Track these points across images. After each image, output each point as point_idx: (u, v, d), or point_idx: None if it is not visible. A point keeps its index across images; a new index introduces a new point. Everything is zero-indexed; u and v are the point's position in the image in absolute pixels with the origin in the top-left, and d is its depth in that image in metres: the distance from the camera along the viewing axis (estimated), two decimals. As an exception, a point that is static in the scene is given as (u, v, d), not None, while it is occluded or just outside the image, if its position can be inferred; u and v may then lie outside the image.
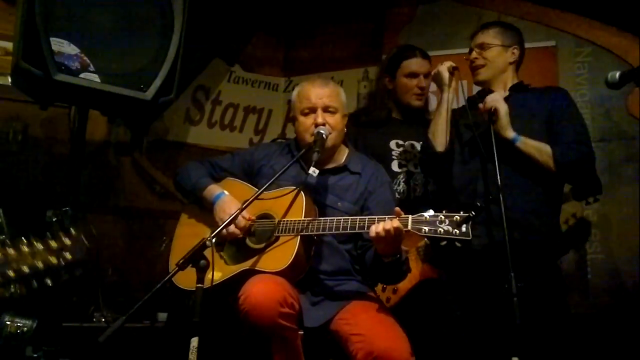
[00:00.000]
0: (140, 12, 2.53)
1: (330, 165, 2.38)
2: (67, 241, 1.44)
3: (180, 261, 1.81)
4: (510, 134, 2.40)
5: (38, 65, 2.26)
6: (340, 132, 2.38)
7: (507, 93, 2.58)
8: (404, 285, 2.56)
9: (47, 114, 2.84)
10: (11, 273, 1.38)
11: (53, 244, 1.42)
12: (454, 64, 2.57)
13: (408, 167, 2.88)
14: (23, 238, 1.42)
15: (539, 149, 2.39)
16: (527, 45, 2.73)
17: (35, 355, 2.03)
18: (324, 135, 2.25)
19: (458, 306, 2.47)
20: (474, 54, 2.62)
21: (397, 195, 2.75)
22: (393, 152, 2.89)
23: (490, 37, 2.60)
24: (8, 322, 1.92)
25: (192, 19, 2.64)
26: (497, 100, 2.43)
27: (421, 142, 2.74)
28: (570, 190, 2.78)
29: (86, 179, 2.60)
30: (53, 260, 1.40)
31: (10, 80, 2.59)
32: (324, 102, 2.32)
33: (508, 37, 2.61)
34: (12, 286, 1.39)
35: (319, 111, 2.31)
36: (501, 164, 2.32)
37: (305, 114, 2.34)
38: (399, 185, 2.85)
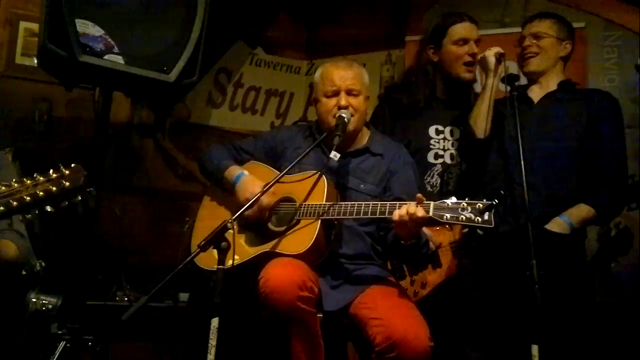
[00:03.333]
0: (164, -6, 2.54)
1: (352, 148, 2.37)
2: (66, 171, 1.53)
3: (202, 242, 1.83)
4: (562, 226, 2.36)
5: (63, 47, 2.28)
6: (363, 115, 2.36)
7: (554, 88, 2.54)
8: (433, 279, 2.52)
9: (73, 95, 2.88)
10: (14, 203, 1.47)
11: (53, 174, 1.52)
12: (501, 50, 2.49)
13: (444, 158, 2.74)
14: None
15: (588, 218, 2.40)
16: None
17: (60, 332, 2.08)
18: (346, 119, 2.24)
19: (479, 293, 2.46)
20: (527, 42, 2.54)
21: (429, 188, 2.69)
22: (431, 141, 2.74)
23: (546, 27, 2.54)
24: (34, 299, 1.96)
25: (215, 1, 2.64)
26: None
27: (461, 128, 2.67)
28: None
29: (110, 160, 2.62)
30: (52, 188, 1.49)
31: (36, 61, 2.62)
32: (347, 85, 2.30)
33: (563, 31, 2.55)
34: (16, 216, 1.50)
35: (342, 94, 2.29)
36: (537, 143, 2.32)
37: (328, 96, 2.32)
38: (432, 177, 2.73)
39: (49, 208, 1.49)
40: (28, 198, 1.47)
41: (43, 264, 2.09)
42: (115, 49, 2.42)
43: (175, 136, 3.71)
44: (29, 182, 1.50)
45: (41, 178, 1.50)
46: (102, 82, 2.54)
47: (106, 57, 2.39)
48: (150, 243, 3.46)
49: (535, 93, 2.58)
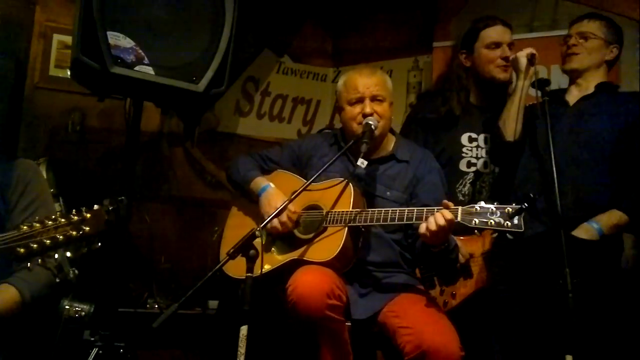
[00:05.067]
0: (193, 5, 2.57)
1: (378, 155, 2.36)
2: (87, 214, 1.51)
3: (231, 250, 1.84)
4: (591, 232, 2.29)
5: (95, 59, 2.32)
6: (388, 121, 2.35)
7: (591, 90, 2.48)
8: (464, 290, 2.49)
9: (104, 105, 2.92)
10: (34, 245, 1.46)
11: (74, 218, 1.50)
12: (533, 51, 2.45)
13: (477, 166, 2.70)
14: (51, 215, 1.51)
15: (620, 224, 2.32)
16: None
17: (92, 338, 2.11)
18: (372, 126, 2.23)
19: (511, 302, 2.41)
20: (573, 40, 2.49)
21: (461, 197, 2.66)
22: (464, 149, 2.71)
23: (595, 28, 2.49)
24: (67, 307, 2.00)
25: (242, 10, 2.67)
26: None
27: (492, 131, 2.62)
28: None
29: (140, 169, 2.66)
30: (73, 233, 1.48)
31: (69, 73, 2.68)
32: (371, 92, 2.29)
33: (611, 34, 2.50)
34: (36, 258, 1.49)
35: (367, 101, 2.29)
36: (570, 147, 2.30)
37: (352, 104, 2.32)
38: (464, 186, 2.69)
39: (68, 254, 1.49)
40: (48, 242, 1.46)
41: (76, 271, 2.12)
42: (146, 60, 2.46)
43: (204, 145, 3.75)
44: (50, 223, 1.48)
45: (62, 220, 1.49)
46: (133, 92, 2.58)
47: (137, 68, 2.42)
48: (180, 251, 3.49)
49: (573, 95, 2.53)
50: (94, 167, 3.30)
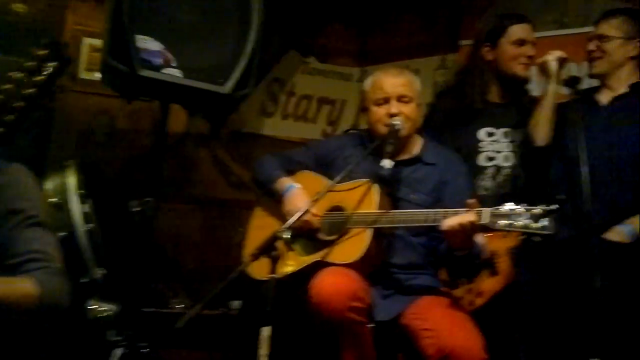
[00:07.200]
0: (220, 8, 2.60)
1: (404, 157, 2.34)
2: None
3: (254, 252, 1.85)
4: (622, 234, 2.24)
5: (124, 62, 2.37)
6: (415, 122, 2.33)
7: (626, 90, 2.43)
8: (490, 287, 2.45)
9: (132, 107, 2.98)
10: None
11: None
12: (564, 55, 2.42)
13: (497, 160, 2.66)
14: None
15: None
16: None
17: (117, 338, 2.14)
18: (398, 127, 2.22)
19: (537, 304, 2.37)
20: (592, 45, 2.46)
21: (483, 192, 2.62)
22: (480, 144, 2.67)
23: (612, 27, 2.43)
24: (93, 307, 2.03)
25: (268, 11, 2.68)
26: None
27: (518, 129, 2.60)
28: None
29: (166, 169, 2.69)
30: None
31: (98, 76, 2.73)
32: (398, 92, 2.27)
33: (632, 28, 2.43)
34: None
35: (393, 101, 2.27)
36: (601, 149, 2.27)
37: (379, 104, 2.30)
38: (484, 181, 2.65)
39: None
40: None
41: (104, 271, 2.16)
42: (173, 63, 2.49)
43: (229, 145, 3.78)
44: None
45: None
46: (160, 94, 2.62)
47: (164, 70, 2.46)
48: (205, 251, 3.53)
49: (605, 96, 2.48)
50: (122, 169, 3.36)
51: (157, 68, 2.45)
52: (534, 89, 2.77)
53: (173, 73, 2.48)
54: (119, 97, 2.72)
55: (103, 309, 2.04)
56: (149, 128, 2.99)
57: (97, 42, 3.00)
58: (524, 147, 2.57)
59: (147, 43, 2.45)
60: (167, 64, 2.48)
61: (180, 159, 3.60)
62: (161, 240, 3.19)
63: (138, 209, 2.44)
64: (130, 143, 3.42)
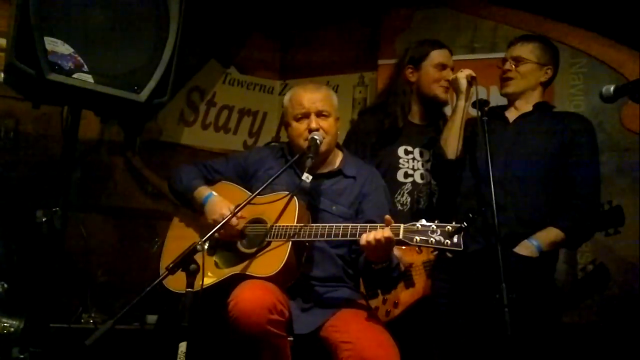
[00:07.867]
0: (136, 13, 2.51)
1: (325, 170, 2.38)
2: None
3: (170, 265, 1.80)
4: (531, 249, 2.36)
5: (31, 64, 2.24)
6: (334, 136, 2.37)
7: (529, 109, 2.57)
8: (406, 299, 2.54)
9: (40, 111, 2.81)
10: None
11: None
12: (473, 73, 2.53)
13: (414, 177, 2.79)
14: None
15: (557, 241, 2.40)
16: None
17: (22, 356, 2.01)
18: (318, 141, 2.25)
19: (451, 315, 2.45)
20: (508, 65, 2.57)
21: (399, 207, 2.72)
22: (400, 160, 2.80)
23: (527, 51, 2.55)
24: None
25: (187, 19, 2.63)
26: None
27: (431, 150, 2.70)
28: None
29: (78, 178, 2.57)
30: None
31: (2, 77, 2.56)
32: (317, 107, 2.31)
33: (545, 56, 2.57)
34: None
35: (312, 116, 2.30)
36: (509, 164, 2.39)
37: (299, 119, 2.33)
38: (402, 196, 2.76)
39: None
40: None
41: (5, 285, 2.02)
42: (85, 68, 2.38)
43: (145, 154, 3.67)
44: None
45: None
46: (70, 100, 2.50)
47: (75, 75, 2.35)
48: (119, 263, 3.39)
49: (512, 113, 2.61)
50: (28, 176, 3.17)
51: (67, 72, 2.33)
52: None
53: (84, 78, 2.37)
54: (25, 100, 2.57)
55: (6, 324, 1.90)
56: (59, 134, 2.83)
57: (2, 42, 2.83)
58: (434, 160, 2.67)
59: (57, 46, 2.33)
60: (78, 69, 2.37)
61: (92, 167, 3.45)
62: (71, 251, 3.03)
63: (44, 219, 2.30)
64: (38, 149, 3.24)
